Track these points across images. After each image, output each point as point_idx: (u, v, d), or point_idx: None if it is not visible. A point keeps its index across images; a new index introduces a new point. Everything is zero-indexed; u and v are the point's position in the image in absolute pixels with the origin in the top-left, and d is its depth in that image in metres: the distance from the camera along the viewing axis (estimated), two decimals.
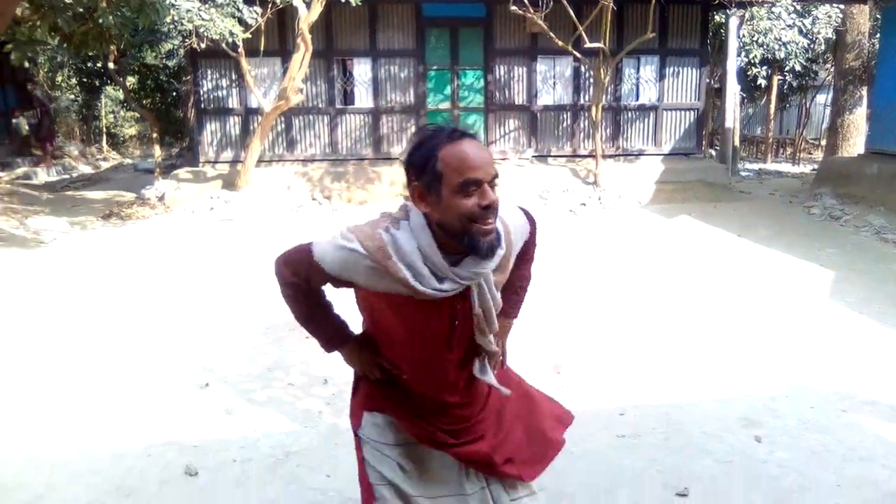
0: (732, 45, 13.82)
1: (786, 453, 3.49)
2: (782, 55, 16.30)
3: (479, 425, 2.01)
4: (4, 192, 11.47)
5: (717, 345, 5.10)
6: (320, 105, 13.22)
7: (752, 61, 16.55)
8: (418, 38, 13.11)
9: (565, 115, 13.74)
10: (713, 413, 3.96)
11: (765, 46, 16.07)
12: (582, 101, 13.62)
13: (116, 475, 3.31)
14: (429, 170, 1.64)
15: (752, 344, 5.11)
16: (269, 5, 11.07)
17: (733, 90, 14.29)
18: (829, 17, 15.76)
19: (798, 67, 16.93)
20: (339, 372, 4.45)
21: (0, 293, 6.53)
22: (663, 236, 9.29)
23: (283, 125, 13.08)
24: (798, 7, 15.67)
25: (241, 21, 11.05)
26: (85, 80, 19.98)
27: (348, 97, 13.38)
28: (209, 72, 12.99)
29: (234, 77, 12.89)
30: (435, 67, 13.28)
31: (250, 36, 11.27)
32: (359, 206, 11.54)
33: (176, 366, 4.73)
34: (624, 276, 7.12)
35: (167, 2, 9.39)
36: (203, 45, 11.13)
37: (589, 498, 3.11)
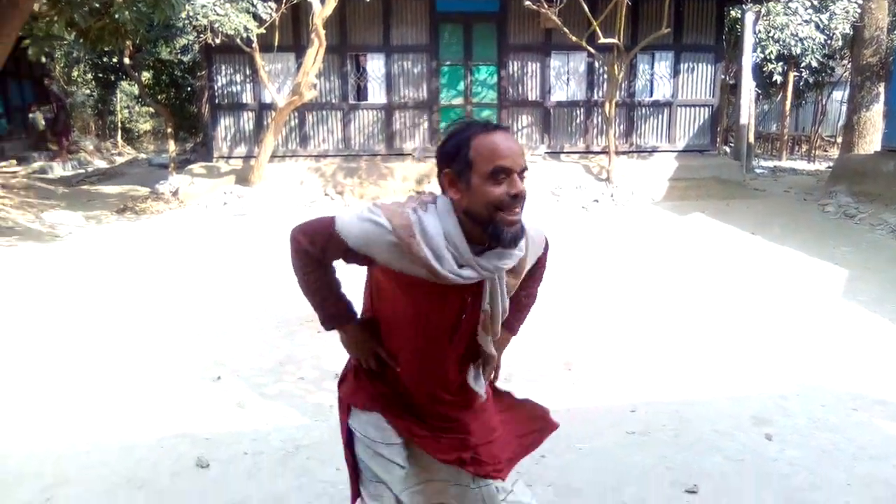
0: (748, 40, 13.73)
1: (796, 451, 3.47)
2: (798, 51, 16.17)
3: (465, 428, 2.00)
4: (21, 186, 11.58)
5: (728, 343, 5.08)
6: (333, 100, 13.26)
7: (768, 57, 16.43)
8: (432, 34, 13.11)
9: (578, 112, 13.70)
10: (724, 411, 3.95)
11: (781, 42, 15.95)
12: (595, 97, 13.58)
13: (128, 467, 3.34)
14: (461, 157, 1.68)
15: (763, 342, 5.09)
16: (284, 1, 11.11)
17: (748, 86, 14.20)
18: (847, 12, 15.61)
19: (814, 63, 16.79)
20: None
21: (16, 286, 6.61)
22: (676, 234, 9.26)
23: (297, 120, 13.14)
24: (815, 2, 15.56)
25: (255, 16, 11.11)
26: (100, 75, 20.13)
27: (361, 93, 13.42)
28: (223, 67, 13.06)
29: (248, 72, 12.96)
30: (448, 63, 13.29)
31: (265, 31, 11.33)
32: (371, 202, 11.56)
33: (188, 359, 4.77)
34: (636, 273, 7.10)
35: None
36: (218, 41, 11.20)
37: (597, 494, 3.11)
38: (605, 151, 12.90)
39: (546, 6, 11.27)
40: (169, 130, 15.53)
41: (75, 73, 22.24)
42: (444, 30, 13.22)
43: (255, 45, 11.34)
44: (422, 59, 13.23)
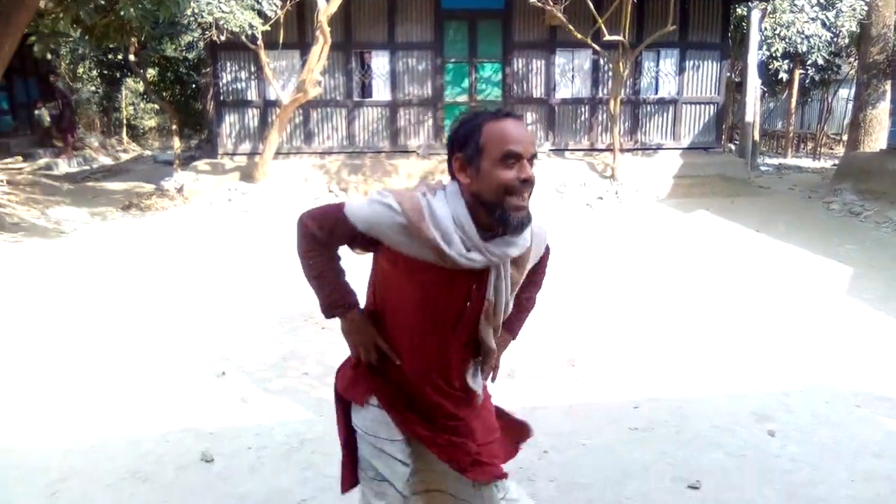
0: (754, 38, 13.70)
1: (798, 448, 3.48)
2: (804, 49, 16.09)
3: (468, 428, 2.00)
4: (26, 183, 11.63)
5: (732, 340, 5.09)
6: (338, 98, 13.27)
7: (774, 55, 16.36)
8: (437, 31, 13.11)
9: (583, 109, 13.69)
10: (726, 407, 3.96)
11: (787, 40, 15.87)
12: (600, 95, 13.57)
13: (133, 461, 3.36)
14: (472, 143, 1.72)
15: (767, 339, 5.09)
16: None
17: (754, 84, 14.17)
18: (854, 9, 15.50)
19: (820, 61, 16.71)
20: None
21: (22, 282, 6.64)
22: (680, 231, 9.25)
23: (301, 118, 13.15)
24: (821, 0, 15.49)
25: (260, 13, 11.12)
26: (106, 72, 20.19)
27: (366, 90, 13.43)
28: (228, 64, 13.09)
29: (252, 69, 12.99)
30: (453, 60, 13.29)
31: (269, 28, 11.34)
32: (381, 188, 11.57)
33: (193, 354, 4.79)
34: (640, 270, 7.10)
35: None
36: (223, 38, 11.22)
37: (599, 490, 3.12)
38: (609, 149, 12.89)
39: (551, 3, 11.26)
40: (174, 127, 15.59)
41: (80, 70, 22.29)
42: (448, 27, 13.22)
43: (259, 42, 11.36)
44: (426, 57, 13.23)
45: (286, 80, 12.79)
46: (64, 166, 15.26)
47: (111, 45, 14.59)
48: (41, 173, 13.52)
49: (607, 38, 11.58)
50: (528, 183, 1.71)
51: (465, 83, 13.42)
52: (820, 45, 16.05)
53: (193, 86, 18.86)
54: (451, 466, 1.95)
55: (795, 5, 15.10)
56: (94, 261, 7.50)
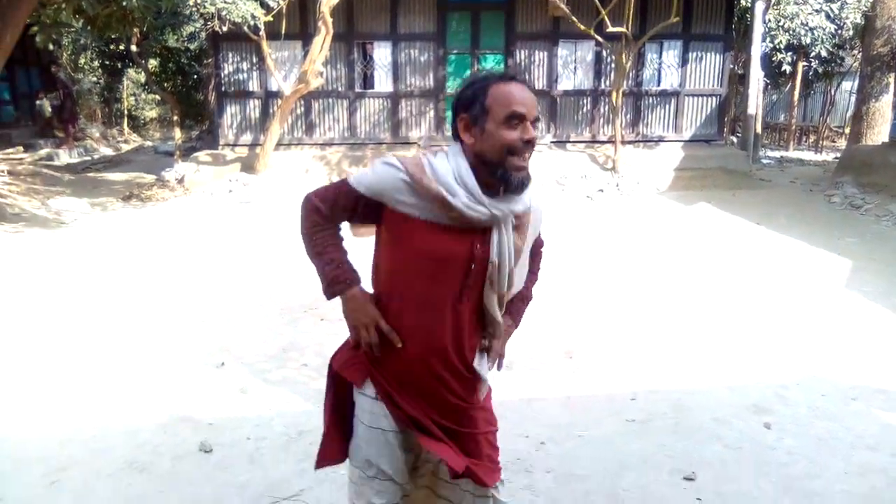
0: (757, 30, 13.64)
1: (795, 440, 3.49)
2: (808, 41, 16.05)
3: (472, 414, 1.98)
4: (27, 173, 11.63)
5: (730, 332, 5.10)
6: (340, 89, 13.25)
7: (777, 47, 16.32)
8: (439, 22, 13.07)
9: (585, 101, 13.66)
10: (724, 400, 3.97)
11: (791, 32, 15.84)
12: (602, 87, 13.53)
13: (132, 451, 3.38)
14: (478, 103, 1.77)
15: (765, 332, 5.10)
16: None
17: (757, 76, 14.11)
18: (858, 1, 15.47)
19: (824, 53, 16.67)
20: None
21: (22, 272, 6.66)
22: (681, 223, 9.25)
23: (303, 109, 13.14)
24: None
25: (262, 4, 11.10)
26: (107, 62, 20.15)
27: (368, 81, 13.40)
28: (230, 55, 13.06)
29: (254, 60, 12.96)
30: (455, 51, 13.26)
31: (272, 19, 11.32)
32: None
33: (192, 345, 4.81)
34: (639, 262, 7.11)
35: None
36: (224, 28, 11.19)
37: (597, 481, 3.13)
38: (611, 141, 12.87)
39: None
40: (175, 118, 15.56)
41: (82, 61, 22.26)
42: (451, 18, 13.17)
43: (261, 32, 11.33)
44: (429, 48, 13.19)
45: (288, 71, 12.77)
46: (65, 157, 15.27)
47: (113, 36, 14.57)
48: (42, 164, 13.52)
49: (610, 29, 11.54)
50: (530, 144, 1.78)
51: (468, 74, 13.38)
52: (824, 37, 16.00)
53: (195, 76, 18.81)
54: (447, 462, 1.92)
55: None
56: (94, 251, 7.52)
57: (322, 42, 10.91)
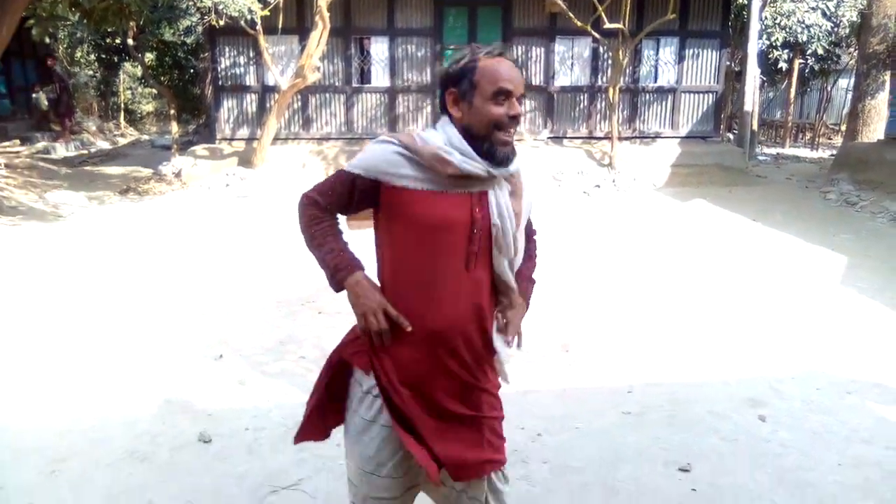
0: (754, 27, 13.67)
1: (789, 433, 3.52)
2: (805, 38, 16.10)
3: (480, 397, 1.96)
4: (24, 166, 11.62)
5: (726, 327, 5.13)
6: (337, 84, 13.25)
7: (774, 44, 16.37)
8: (436, 17, 13.08)
9: (582, 97, 13.68)
10: (719, 393, 4.00)
11: (787, 29, 15.89)
12: (599, 83, 13.55)
13: (131, 441, 3.40)
14: (466, 79, 1.81)
15: (761, 327, 5.13)
16: None
17: (753, 73, 14.15)
18: None
19: (820, 51, 16.72)
20: None
21: (20, 265, 6.66)
22: (677, 219, 9.28)
23: (300, 103, 13.13)
24: None
25: None
26: (103, 56, 20.07)
27: (365, 76, 13.40)
28: (227, 49, 13.05)
29: (251, 54, 12.95)
30: (452, 47, 13.26)
31: (269, 13, 11.30)
32: None
33: (191, 338, 4.83)
34: (635, 258, 7.13)
35: None
36: (221, 23, 11.17)
37: (592, 472, 3.16)
38: (607, 137, 12.90)
39: None
40: (172, 112, 15.52)
41: (78, 54, 22.18)
42: (448, 13, 13.18)
43: (258, 27, 11.32)
44: (426, 43, 13.20)
45: (285, 66, 12.76)
46: (62, 150, 15.22)
47: (109, 29, 14.54)
48: (39, 157, 13.50)
49: (607, 25, 11.56)
50: (515, 119, 1.82)
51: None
52: (820, 34, 16.06)
53: (192, 70, 18.76)
54: (425, 468, 1.89)
55: None
56: (91, 244, 7.52)
57: (319, 37, 10.91)
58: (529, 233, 2.09)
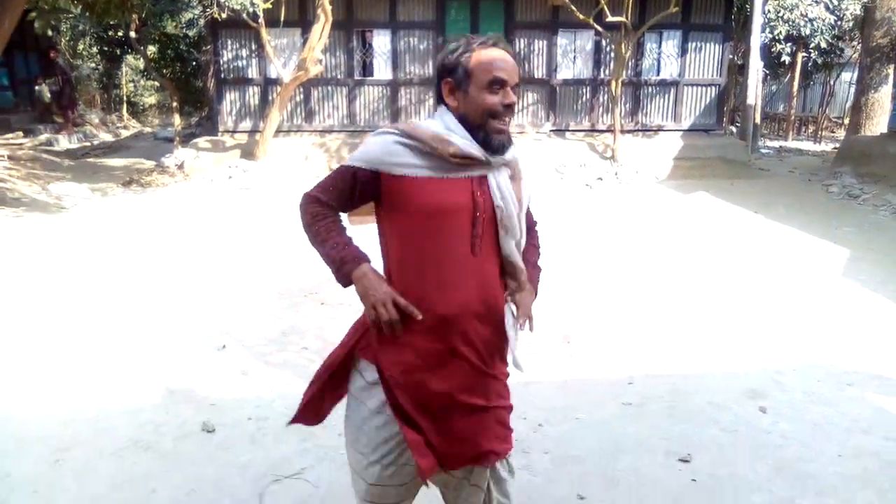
0: (757, 20, 13.63)
1: (790, 424, 3.54)
2: (808, 31, 16.05)
3: (489, 384, 1.96)
4: (27, 158, 11.64)
5: (727, 319, 5.14)
6: (339, 76, 13.24)
7: (777, 37, 16.31)
8: (438, 10, 13.05)
9: (584, 90, 13.66)
10: (720, 384, 4.01)
11: (790, 22, 15.84)
12: (602, 76, 13.53)
13: (134, 430, 3.42)
14: (461, 68, 1.84)
15: (762, 319, 5.14)
16: None
17: (756, 66, 14.11)
18: None
19: (823, 44, 16.67)
20: None
21: (23, 256, 6.68)
22: (679, 212, 9.28)
23: (302, 96, 13.12)
24: None
25: None
26: (106, 48, 20.09)
27: (367, 69, 13.38)
28: (229, 42, 13.04)
29: (253, 47, 12.94)
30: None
31: (271, 6, 11.30)
32: None
33: (194, 328, 4.85)
34: (637, 250, 7.14)
35: None
36: (223, 15, 11.18)
37: (593, 462, 3.17)
38: (610, 130, 12.88)
39: None
40: (174, 104, 15.55)
41: (81, 47, 22.18)
42: (450, 6, 13.15)
43: (261, 19, 11.31)
44: (428, 36, 13.18)
45: (287, 58, 12.75)
46: (64, 142, 15.26)
47: (111, 22, 14.53)
48: (42, 149, 13.51)
49: (610, 18, 11.54)
50: (510, 108, 1.84)
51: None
52: (823, 28, 16.00)
53: (194, 63, 18.76)
54: (417, 463, 1.89)
55: None
56: (95, 236, 7.54)
57: (321, 29, 10.90)
58: (530, 223, 2.10)
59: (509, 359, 2.02)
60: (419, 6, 13.06)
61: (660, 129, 13.80)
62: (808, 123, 20.73)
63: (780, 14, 15.77)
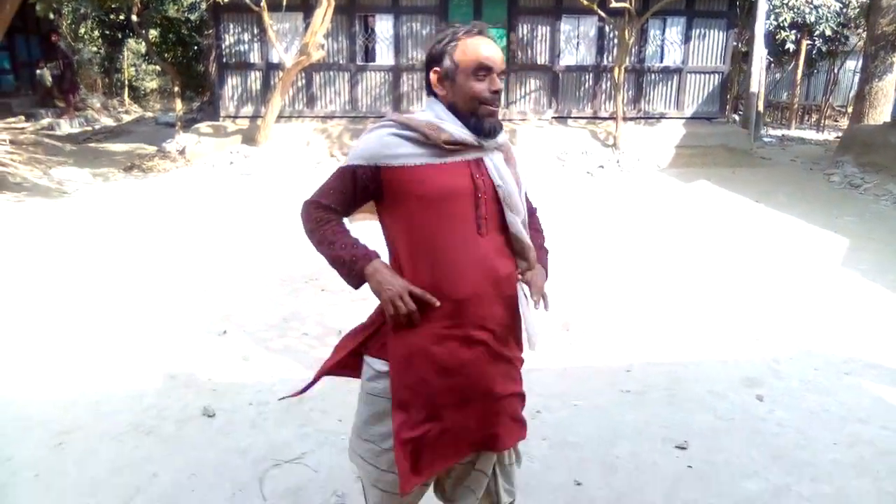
0: (761, 7, 13.56)
1: (786, 412, 3.56)
2: (812, 19, 15.98)
3: (506, 369, 1.98)
4: (29, 143, 11.62)
5: (726, 307, 5.15)
6: (341, 61, 13.19)
7: (781, 25, 16.24)
8: None
9: (587, 77, 13.61)
10: (717, 372, 4.04)
11: (795, 10, 15.76)
12: (605, 63, 13.48)
13: (136, 415, 3.45)
14: (448, 58, 1.89)
15: (761, 307, 5.15)
16: None
17: (760, 54, 14.06)
18: None
19: (828, 32, 16.59)
20: (353, 323, 4.55)
21: (25, 241, 6.70)
22: (680, 200, 9.28)
23: (304, 81, 13.09)
24: None
25: None
26: (107, 32, 20.02)
27: (369, 54, 13.33)
28: (231, 26, 12.99)
29: (255, 32, 12.89)
30: (457, 25, 13.13)
31: None
32: None
33: (195, 314, 4.87)
34: (638, 238, 7.15)
35: None
36: None
37: (591, 449, 3.20)
38: (612, 117, 12.85)
39: None
40: (175, 89, 15.50)
41: (82, 30, 22.11)
42: None
43: (263, 4, 11.26)
44: (430, 21, 13.11)
45: (289, 43, 12.71)
46: (66, 127, 15.24)
47: (113, 5, 14.48)
48: (43, 133, 13.47)
49: (613, 4, 11.48)
50: (497, 94, 1.89)
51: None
52: (828, 15, 15.92)
53: (195, 47, 18.71)
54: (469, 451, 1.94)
55: None
56: (96, 221, 7.56)
57: (323, 14, 10.85)
58: (531, 209, 2.12)
59: (524, 340, 2.03)
60: None
61: (662, 116, 13.76)
62: (812, 112, 20.65)
63: (785, 1, 15.70)
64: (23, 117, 13.52)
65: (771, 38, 16.16)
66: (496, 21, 13.19)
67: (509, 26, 13.19)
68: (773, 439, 3.30)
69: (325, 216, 1.92)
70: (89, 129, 16.03)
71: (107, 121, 17.90)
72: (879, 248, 6.84)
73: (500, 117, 1.94)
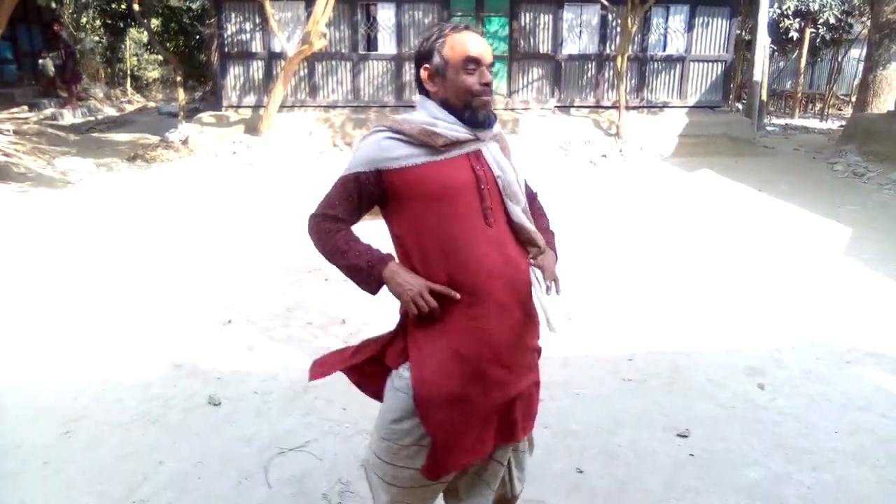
0: None
1: (787, 401, 3.58)
2: (816, 7, 15.91)
3: (528, 357, 2.01)
4: (32, 133, 11.63)
5: (728, 296, 5.17)
6: (343, 51, 13.17)
7: (785, 13, 16.18)
8: None
9: (590, 65, 13.58)
10: (719, 361, 4.06)
11: None
12: (608, 51, 13.44)
13: (143, 403, 3.48)
14: (437, 54, 1.92)
15: (763, 296, 5.17)
16: None
17: (763, 42, 14.00)
18: None
19: (832, 20, 16.52)
20: (356, 312, 4.60)
21: (30, 231, 6.73)
22: (683, 189, 9.28)
23: (306, 70, 13.07)
24: None
25: None
26: (109, 21, 19.98)
27: (371, 43, 13.31)
28: (233, 15, 12.96)
29: (257, 21, 12.86)
30: (459, 14, 13.14)
31: None
32: None
33: (200, 303, 4.90)
34: (640, 227, 7.16)
35: None
36: None
37: (592, 436, 3.23)
38: (615, 106, 12.83)
39: None
40: (178, 79, 15.48)
41: (84, 20, 22.05)
42: None
43: None
44: (433, 10, 13.08)
45: (291, 32, 12.69)
46: (69, 117, 15.24)
47: None
48: (46, 123, 13.48)
49: None
50: (488, 86, 1.92)
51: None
52: (832, 3, 15.85)
53: (197, 37, 18.67)
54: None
55: None
56: (100, 211, 7.58)
57: (326, 3, 10.83)
58: (531, 194, 2.15)
59: (542, 324, 2.05)
60: None
61: (665, 105, 13.73)
62: (815, 101, 20.58)
63: None
64: (26, 107, 13.51)
65: (774, 26, 16.10)
66: (498, 10, 13.16)
67: (511, 15, 13.15)
68: (774, 428, 3.32)
69: (332, 227, 1.94)
70: (92, 118, 16.03)
71: (109, 111, 17.90)
72: (882, 238, 6.84)
73: (503, 107, 1.96)
